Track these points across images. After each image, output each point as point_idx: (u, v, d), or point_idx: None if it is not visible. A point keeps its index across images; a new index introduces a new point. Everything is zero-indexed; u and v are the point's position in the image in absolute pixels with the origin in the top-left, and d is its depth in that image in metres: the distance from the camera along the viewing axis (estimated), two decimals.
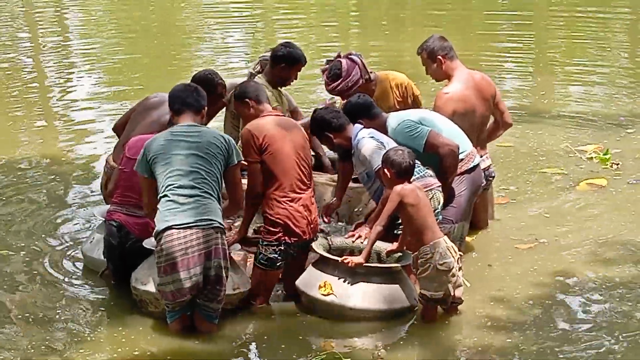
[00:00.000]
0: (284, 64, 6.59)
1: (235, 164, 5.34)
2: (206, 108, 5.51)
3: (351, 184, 6.33)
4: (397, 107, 6.65)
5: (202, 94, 5.47)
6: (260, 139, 5.59)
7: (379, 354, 5.15)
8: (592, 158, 8.43)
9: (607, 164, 8.23)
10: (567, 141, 8.98)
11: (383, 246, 5.71)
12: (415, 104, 6.80)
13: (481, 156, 6.41)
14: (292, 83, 6.80)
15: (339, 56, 6.73)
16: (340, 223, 6.46)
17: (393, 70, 7.07)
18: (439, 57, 6.49)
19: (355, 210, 6.32)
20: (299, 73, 6.76)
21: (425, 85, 8.96)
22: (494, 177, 6.76)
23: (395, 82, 6.79)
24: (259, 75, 6.73)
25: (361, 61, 6.66)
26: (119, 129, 6.69)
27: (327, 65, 6.72)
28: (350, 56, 6.68)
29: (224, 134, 5.45)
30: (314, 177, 6.04)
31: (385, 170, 5.54)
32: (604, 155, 8.36)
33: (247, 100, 5.79)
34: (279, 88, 6.74)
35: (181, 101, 5.41)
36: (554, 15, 16.65)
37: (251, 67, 7.14)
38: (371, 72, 6.73)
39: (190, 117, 5.38)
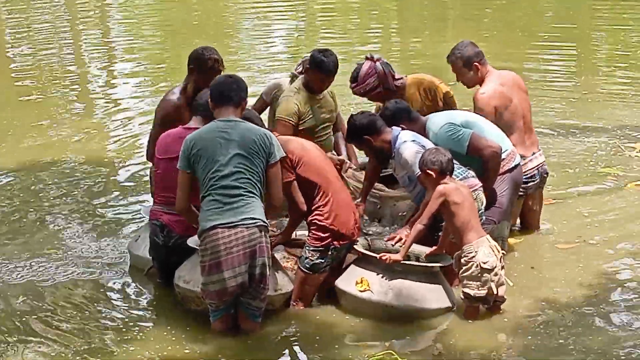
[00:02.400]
0: (315, 70, 6.49)
1: (277, 161, 5.32)
2: (247, 101, 5.47)
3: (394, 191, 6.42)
4: (427, 110, 6.57)
5: (242, 87, 5.41)
6: (291, 156, 5.56)
7: (439, 352, 5.16)
8: None
9: None
10: (614, 139, 8.91)
11: (422, 249, 5.71)
12: (447, 103, 6.69)
13: (533, 153, 6.49)
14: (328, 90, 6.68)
15: (366, 58, 6.70)
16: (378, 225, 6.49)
17: (424, 74, 6.95)
18: (475, 63, 6.50)
19: (400, 214, 6.33)
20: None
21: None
22: (547, 174, 6.74)
23: (424, 86, 6.72)
24: (300, 77, 6.70)
25: (384, 69, 6.58)
26: None
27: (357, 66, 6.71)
28: (375, 62, 6.62)
29: (264, 129, 5.44)
30: (386, 192, 6.23)
31: (428, 171, 5.54)
32: None
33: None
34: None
35: (221, 94, 5.37)
36: (598, 15, 16.50)
37: (294, 68, 7.12)
38: (400, 78, 6.64)
39: (231, 110, 5.34)
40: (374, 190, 6.45)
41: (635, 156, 8.37)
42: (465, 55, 6.50)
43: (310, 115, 6.53)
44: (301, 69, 6.85)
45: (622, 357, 5.09)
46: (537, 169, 6.53)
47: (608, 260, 6.31)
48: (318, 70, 6.45)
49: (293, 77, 6.90)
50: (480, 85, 6.51)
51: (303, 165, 5.61)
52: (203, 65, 6.20)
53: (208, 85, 5.88)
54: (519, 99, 6.54)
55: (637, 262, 6.28)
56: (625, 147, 8.60)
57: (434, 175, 5.53)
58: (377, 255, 5.54)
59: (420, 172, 5.65)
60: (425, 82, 6.75)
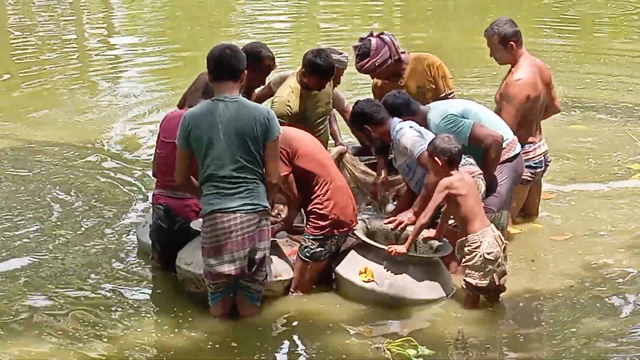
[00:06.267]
0: (312, 74, 6.38)
1: (274, 139, 5.20)
2: (246, 72, 5.26)
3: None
4: (428, 87, 6.68)
5: (240, 58, 5.20)
6: (287, 149, 5.54)
7: (460, 336, 5.20)
8: None
9: None
10: (621, 125, 8.90)
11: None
12: (446, 84, 6.74)
13: (540, 139, 6.56)
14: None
15: (371, 35, 6.71)
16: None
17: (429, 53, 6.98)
18: (511, 42, 6.47)
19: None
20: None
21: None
22: (550, 162, 6.76)
23: (427, 62, 6.75)
24: (294, 72, 6.59)
25: (392, 41, 6.63)
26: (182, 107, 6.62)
27: (359, 43, 6.71)
28: (381, 35, 6.66)
29: (263, 107, 5.31)
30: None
31: (436, 158, 5.53)
32: None
33: None
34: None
35: (219, 68, 5.17)
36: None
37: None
38: (402, 53, 6.70)
39: (229, 85, 5.18)
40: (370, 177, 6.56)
41: None
42: (503, 32, 6.47)
43: (306, 113, 6.50)
44: None
45: (613, 348, 5.12)
46: (543, 155, 6.58)
47: (605, 252, 6.33)
48: (315, 74, 6.36)
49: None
50: (513, 66, 6.51)
51: (300, 156, 5.61)
52: (257, 63, 6.24)
53: (260, 83, 5.92)
54: (543, 90, 6.57)
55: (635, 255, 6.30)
56: (633, 137, 8.53)
57: (441, 164, 5.53)
58: (385, 247, 5.57)
59: (419, 153, 5.68)
60: (428, 59, 6.77)
